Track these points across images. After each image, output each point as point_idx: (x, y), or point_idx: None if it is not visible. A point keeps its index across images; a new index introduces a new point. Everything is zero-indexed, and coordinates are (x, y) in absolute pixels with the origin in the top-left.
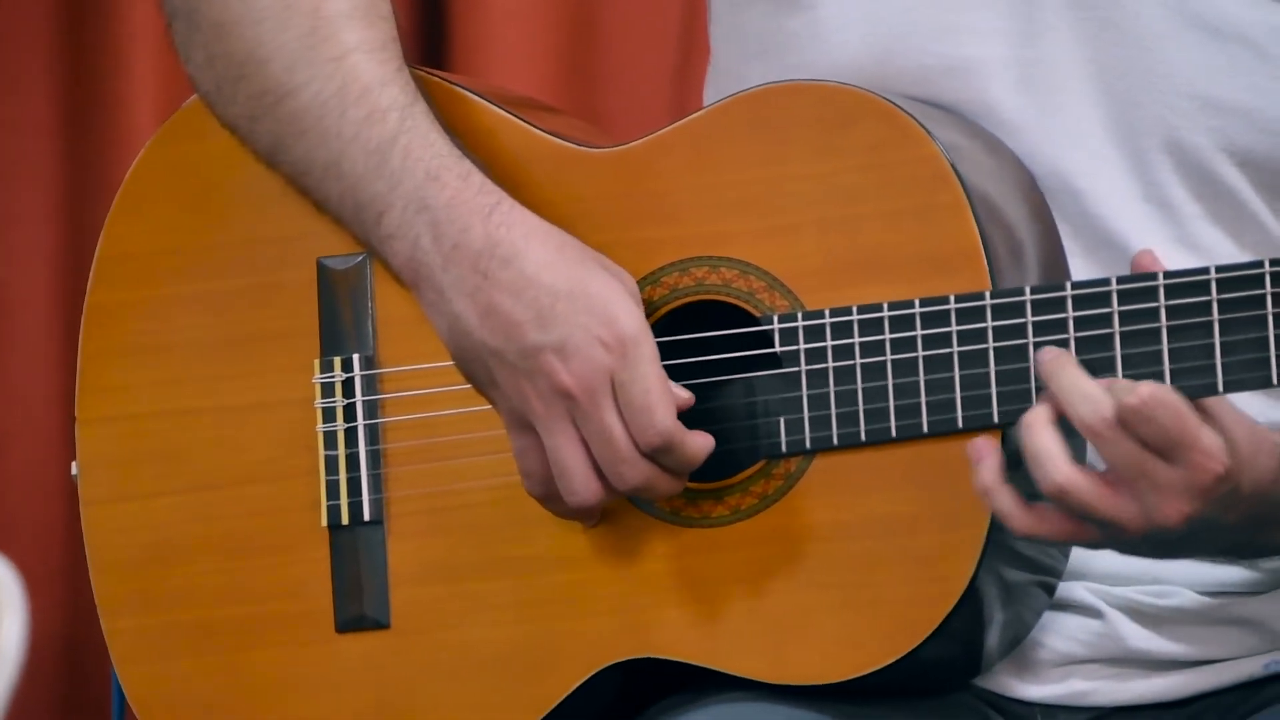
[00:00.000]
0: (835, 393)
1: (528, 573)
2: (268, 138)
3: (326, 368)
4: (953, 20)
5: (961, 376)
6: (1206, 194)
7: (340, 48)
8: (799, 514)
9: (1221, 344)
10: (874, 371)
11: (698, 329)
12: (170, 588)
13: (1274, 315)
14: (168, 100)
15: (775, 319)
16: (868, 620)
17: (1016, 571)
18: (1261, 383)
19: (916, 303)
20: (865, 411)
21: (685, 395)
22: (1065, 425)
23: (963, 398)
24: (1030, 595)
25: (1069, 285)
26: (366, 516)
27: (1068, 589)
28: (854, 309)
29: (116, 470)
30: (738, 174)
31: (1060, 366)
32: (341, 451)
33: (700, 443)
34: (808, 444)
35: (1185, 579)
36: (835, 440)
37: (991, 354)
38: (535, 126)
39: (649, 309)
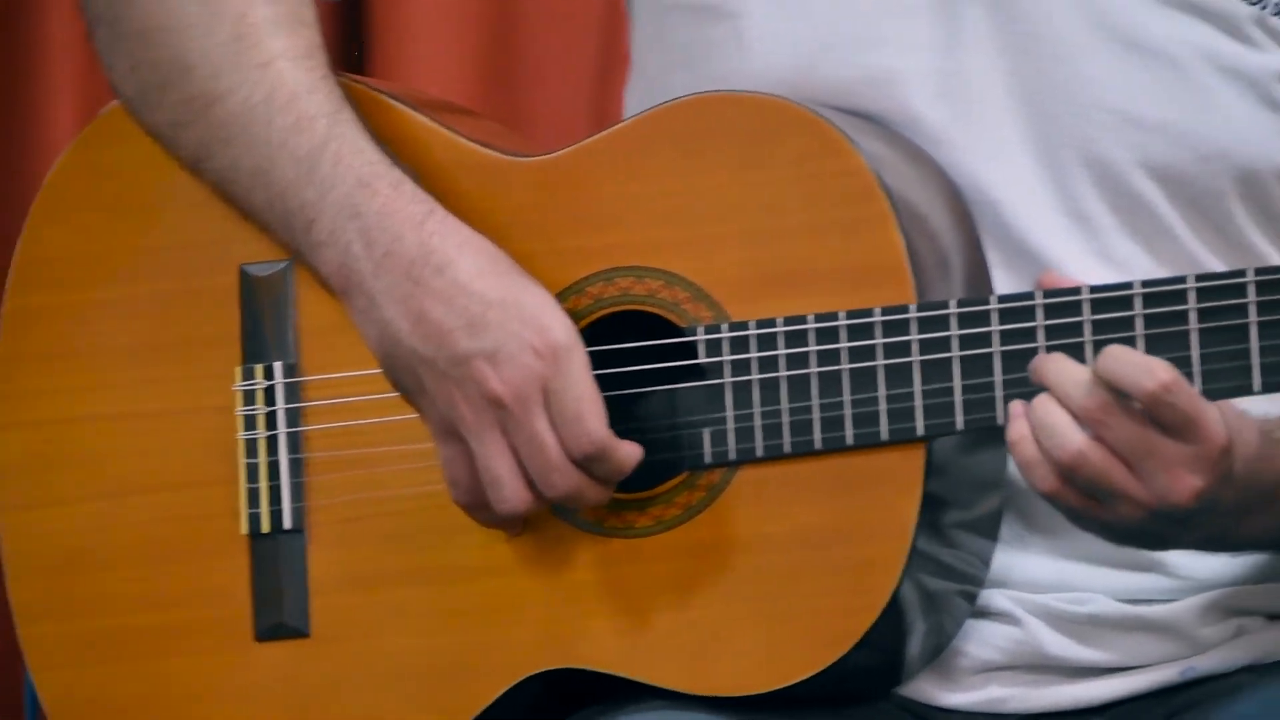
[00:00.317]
0: (760, 404)
1: (449, 582)
2: (193, 145)
3: (248, 375)
4: (875, 31)
5: (887, 389)
6: (1124, 208)
7: (266, 54)
8: (723, 525)
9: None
10: (799, 383)
11: (622, 339)
12: (88, 594)
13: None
14: (88, 104)
15: (700, 330)
16: (790, 632)
17: (938, 581)
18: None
19: (841, 315)
20: (790, 423)
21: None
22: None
23: (888, 410)
24: (952, 604)
25: (994, 299)
26: (287, 524)
27: (987, 597)
28: (779, 321)
29: (34, 476)
30: (663, 184)
31: (1050, 359)
32: (263, 459)
33: (630, 451)
34: (732, 455)
35: (1102, 586)
36: (759, 452)
37: (917, 367)
38: (460, 134)
39: (573, 319)
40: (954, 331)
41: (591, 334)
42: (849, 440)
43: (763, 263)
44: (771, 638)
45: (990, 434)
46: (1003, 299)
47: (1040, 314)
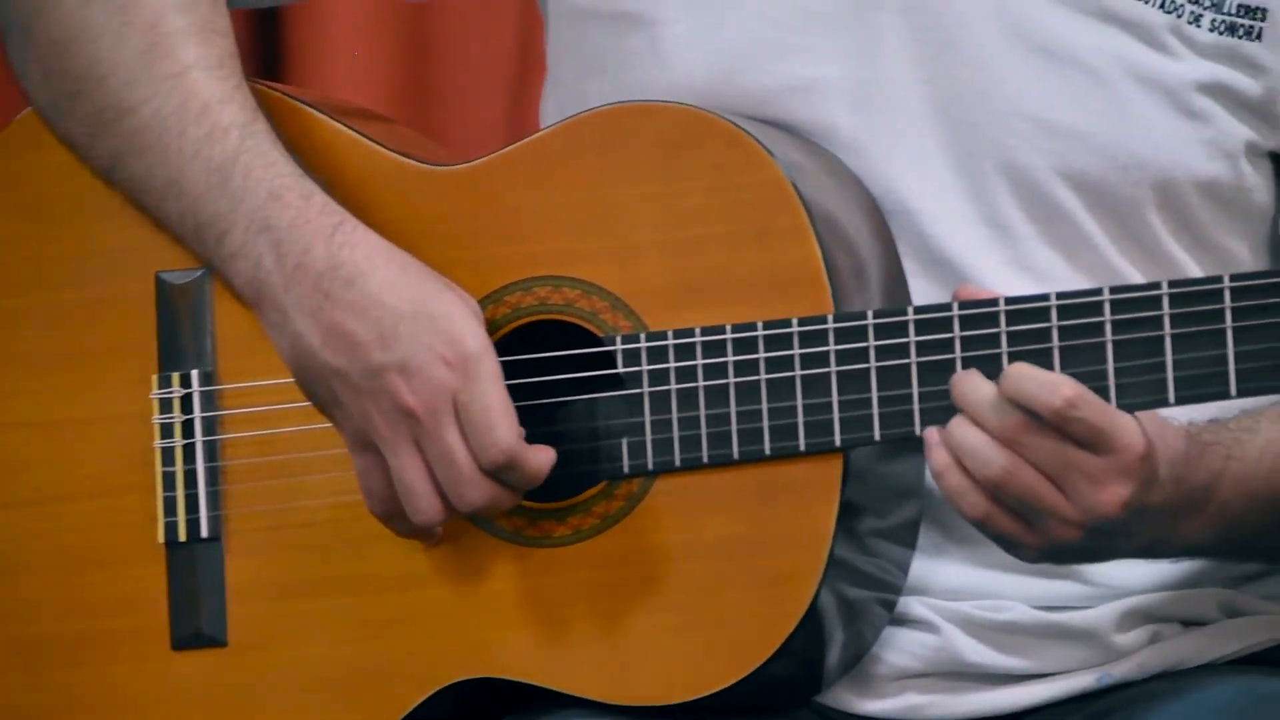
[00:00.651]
0: (678, 414)
1: (367, 591)
2: (106, 155)
3: (164, 383)
4: (792, 40)
5: (804, 399)
6: (1041, 216)
7: (178, 65)
8: (641, 535)
9: (1062, 369)
10: (717, 393)
11: (541, 348)
12: (2, 602)
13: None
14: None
15: (618, 339)
16: (709, 641)
17: (857, 590)
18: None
19: (759, 325)
20: (708, 434)
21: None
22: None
23: (805, 421)
24: (870, 613)
25: (910, 310)
26: (204, 533)
27: (905, 605)
28: (697, 330)
29: None
30: (582, 194)
31: (963, 379)
32: (179, 468)
33: (542, 458)
34: (650, 465)
35: (1020, 594)
36: (678, 462)
37: (834, 377)
38: (377, 143)
39: (491, 328)
40: (871, 343)
41: (510, 343)
42: (767, 451)
43: (681, 273)
44: (690, 647)
45: (908, 444)
46: (919, 310)
47: (957, 325)
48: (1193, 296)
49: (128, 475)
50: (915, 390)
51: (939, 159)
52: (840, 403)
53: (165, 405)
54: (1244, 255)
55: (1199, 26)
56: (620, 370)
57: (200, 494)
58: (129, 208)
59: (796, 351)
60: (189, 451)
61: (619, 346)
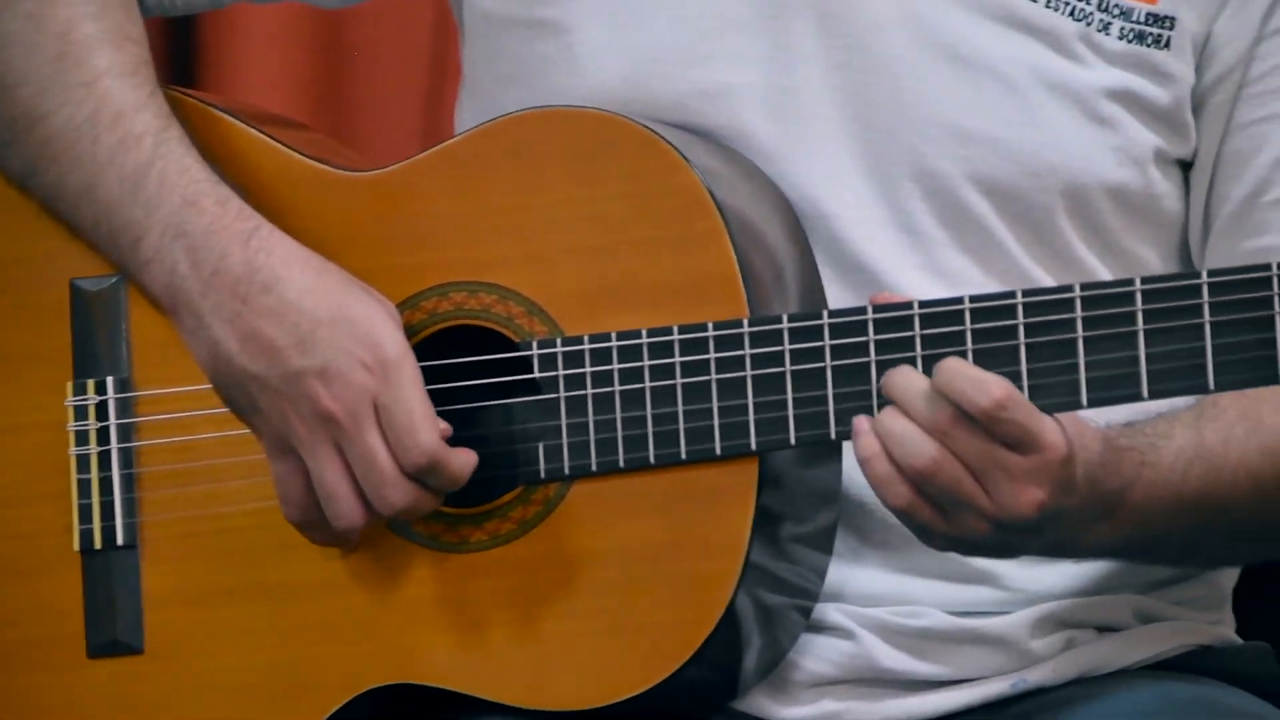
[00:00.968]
0: (594, 419)
1: (285, 598)
2: (19, 163)
3: (79, 390)
4: (707, 46)
5: (719, 404)
6: (954, 222)
7: (91, 72)
8: (558, 540)
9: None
10: (633, 398)
11: (457, 354)
12: None
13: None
14: None
15: (534, 345)
16: (625, 646)
17: (773, 595)
18: None
19: (675, 330)
20: (624, 438)
21: (444, 427)
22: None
23: (720, 425)
24: (786, 619)
25: (825, 314)
26: (120, 540)
27: (822, 611)
28: (613, 335)
29: None
30: (497, 200)
31: (896, 372)
32: (95, 475)
33: (464, 460)
34: (566, 470)
35: (935, 600)
36: (594, 467)
37: (749, 382)
38: (292, 149)
39: (408, 333)
40: (786, 347)
41: (427, 349)
42: (683, 455)
43: (597, 278)
44: (606, 652)
45: (824, 448)
46: (834, 314)
47: (871, 329)
48: (1104, 299)
49: (43, 483)
50: (830, 393)
51: (853, 165)
52: (756, 405)
53: (80, 412)
54: (1154, 262)
55: (1108, 34)
56: (536, 375)
57: (116, 501)
58: (43, 215)
59: (712, 356)
60: (104, 458)
61: (535, 352)
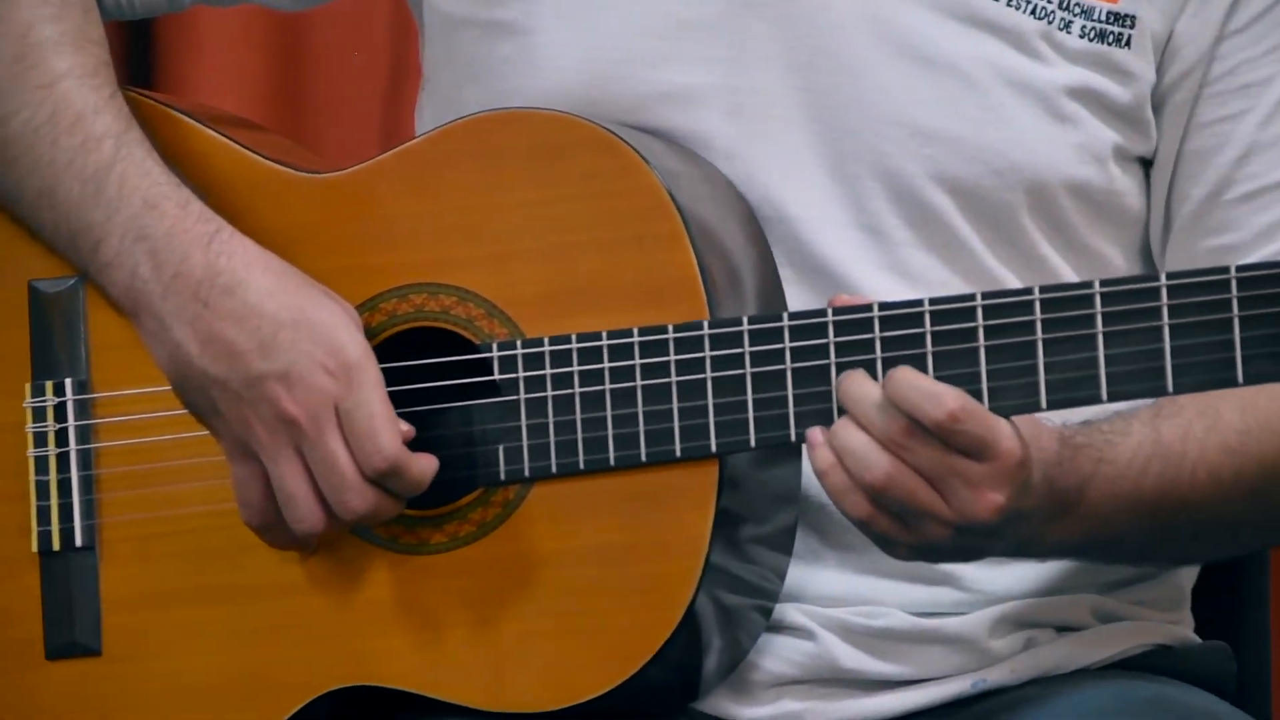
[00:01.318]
0: (554, 421)
1: (243, 600)
2: None
3: (38, 391)
4: (666, 48)
5: (679, 405)
6: (917, 221)
7: (50, 75)
8: (518, 541)
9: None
10: (593, 400)
11: (417, 356)
12: None
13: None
14: None
15: (494, 346)
16: (586, 647)
17: (733, 596)
18: None
19: (635, 332)
20: (584, 440)
21: (406, 428)
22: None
23: (681, 427)
24: (747, 619)
25: (785, 316)
26: (78, 542)
27: (782, 611)
28: (573, 337)
29: None
30: (456, 201)
31: (850, 379)
32: (53, 476)
33: (426, 464)
34: (526, 472)
35: (895, 600)
36: (554, 468)
37: (709, 384)
38: (252, 151)
39: (367, 335)
40: (746, 349)
41: (386, 350)
42: (643, 457)
43: (556, 280)
44: (567, 654)
45: (784, 449)
46: (794, 316)
47: (831, 331)
48: (1064, 301)
49: (1, 485)
50: (790, 395)
51: (814, 166)
52: (715, 407)
53: (39, 414)
54: (1117, 260)
55: (1069, 33)
56: (496, 377)
57: (74, 503)
58: (2, 216)
59: (672, 358)
60: (63, 460)
61: (495, 354)
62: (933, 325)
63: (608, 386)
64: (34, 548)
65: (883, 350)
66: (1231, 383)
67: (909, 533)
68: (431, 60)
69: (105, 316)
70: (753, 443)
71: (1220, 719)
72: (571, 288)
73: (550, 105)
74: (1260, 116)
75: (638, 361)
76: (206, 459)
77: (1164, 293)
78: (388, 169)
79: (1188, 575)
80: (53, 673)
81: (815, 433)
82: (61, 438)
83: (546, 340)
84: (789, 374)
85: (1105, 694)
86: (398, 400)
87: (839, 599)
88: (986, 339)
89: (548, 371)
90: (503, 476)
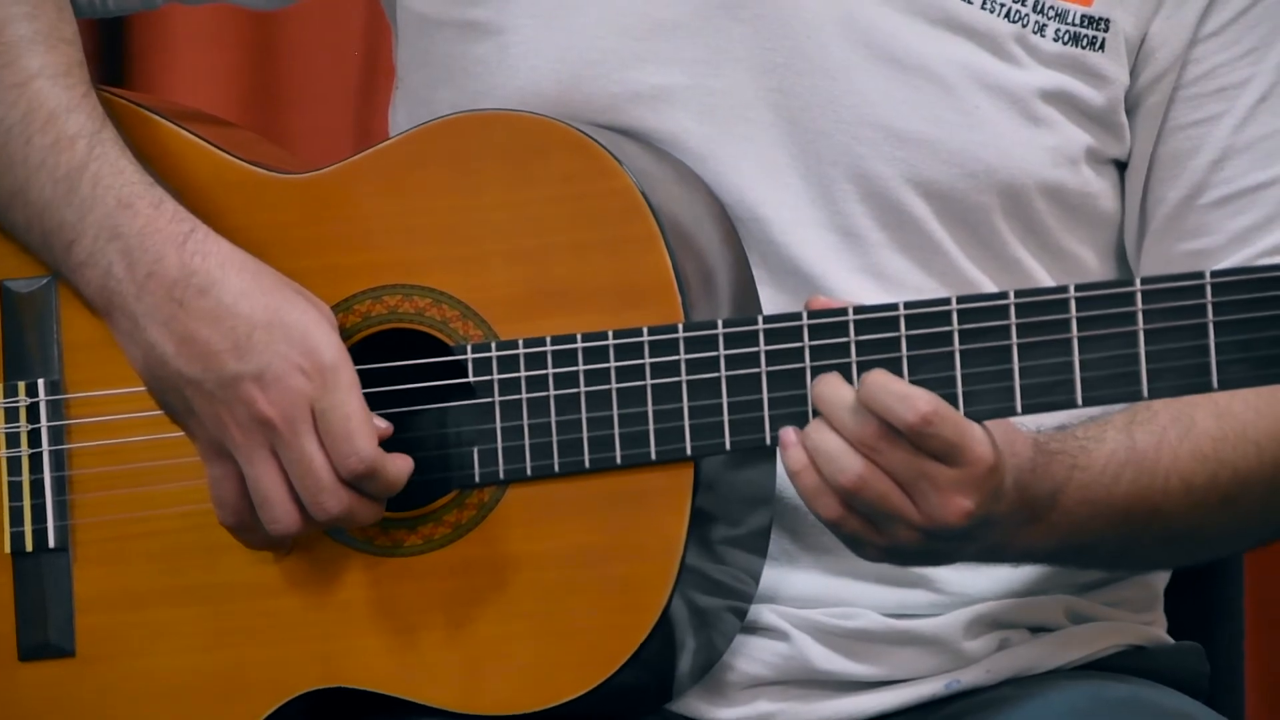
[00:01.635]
0: (529, 424)
1: (218, 601)
2: None
3: (10, 392)
4: (639, 49)
5: (655, 408)
6: (892, 223)
7: (23, 74)
8: (493, 543)
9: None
10: (568, 403)
11: (391, 357)
12: None
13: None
14: None
15: (469, 348)
16: (561, 650)
17: (708, 598)
18: None
19: (610, 334)
20: (559, 443)
21: (384, 425)
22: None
23: (655, 430)
24: (722, 621)
25: (760, 319)
26: (51, 543)
27: (756, 613)
28: (548, 340)
29: None
30: (431, 202)
31: (824, 382)
32: (26, 477)
33: (401, 465)
34: (501, 475)
35: (869, 601)
36: (529, 471)
37: (685, 386)
38: (226, 150)
39: (341, 336)
40: (721, 352)
41: (360, 351)
42: (618, 460)
43: (531, 282)
44: (542, 657)
45: (759, 452)
46: (768, 319)
47: (806, 334)
48: (1039, 306)
49: None
50: (765, 398)
51: (788, 167)
52: (691, 410)
53: (10, 414)
54: (1091, 261)
55: (1043, 36)
56: (471, 379)
57: (47, 504)
58: None
59: (647, 360)
60: (35, 461)
61: (469, 355)
62: (908, 329)
63: (583, 389)
64: (6, 549)
65: (858, 354)
66: (1206, 388)
67: (879, 535)
68: (405, 60)
69: (78, 316)
70: (728, 446)
71: (1193, 719)
72: (546, 290)
73: (523, 105)
74: (1236, 120)
75: (613, 364)
76: (181, 459)
77: (1139, 297)
78: (362, 169)
79: (1161, 576)
80: (26, 673)
81: (789, 433)
82: (34, 438)
83: (521, 343)
84: (764, 377)
85: (1079, 694)
86: (372, 402)
87: (813, 600)
88: (961, 343)
89: (522, 374)
90: (477, 479)
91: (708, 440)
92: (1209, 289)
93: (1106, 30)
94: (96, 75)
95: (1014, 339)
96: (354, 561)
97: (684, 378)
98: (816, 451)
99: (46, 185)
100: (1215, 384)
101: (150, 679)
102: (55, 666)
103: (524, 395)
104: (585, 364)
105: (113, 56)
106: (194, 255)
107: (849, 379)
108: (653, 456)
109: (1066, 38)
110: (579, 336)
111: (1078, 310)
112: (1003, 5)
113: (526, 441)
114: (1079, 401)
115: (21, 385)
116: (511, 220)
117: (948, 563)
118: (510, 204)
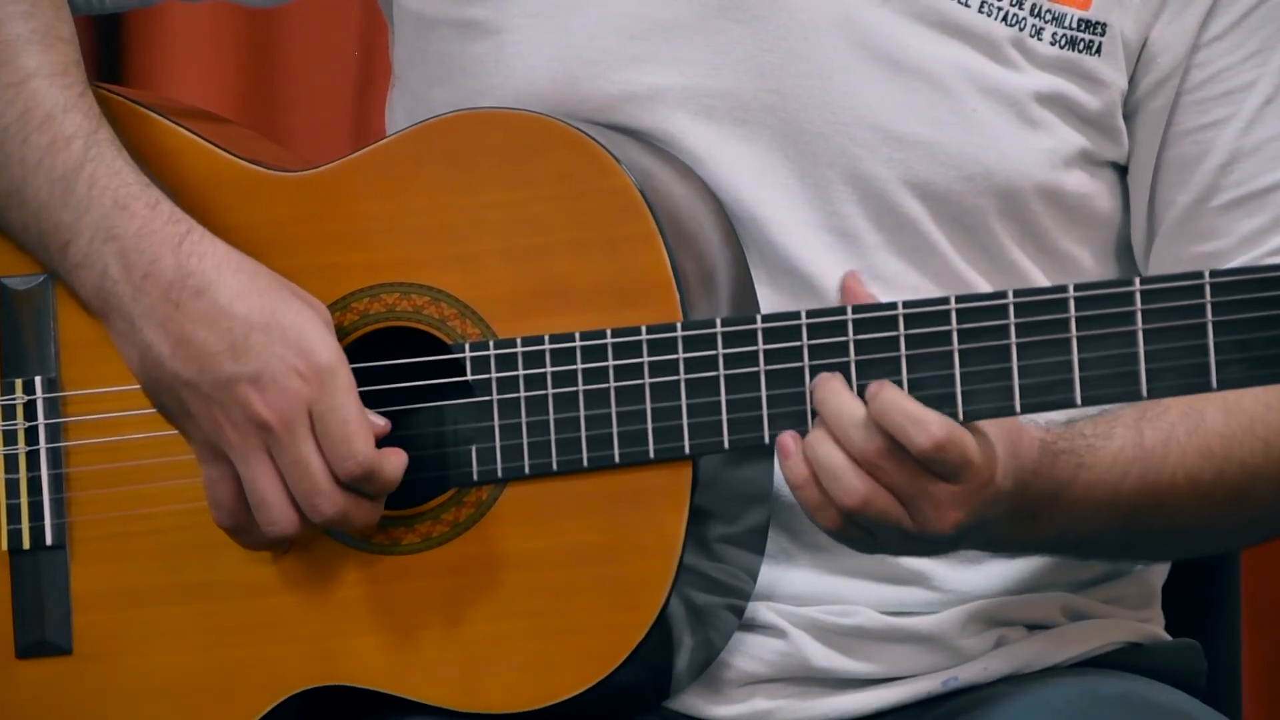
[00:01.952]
0: (527, 422)
1: (215, 599)
2: None
3: (7, 390)
4: (637, 49)
5: (653, 406)
6: (888, 225)
7: (20, 73)
8: (491, 542)
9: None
10: (566, 401)
11: (389, 355)
12: None
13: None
14: None
15: (467, 347)
16: (559, 648)
17: (706, 596)
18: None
19: (608, 333)
20: (557, 441)
21: (382, 423)
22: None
23: (654, 429)
24: (719, 618)
25: (759, 318)
26: (49, 541)
27: (754, 610)
28: (546, 338)
29: None
30: (429, 200)
31: (828, 388)
32: (23, 475)
33: (396, 462)
34: (499, 473)
35: (866, 599)
36: (527, 469)
37: (683, 385)
38: (222, 148)
39: (339, 334)
40: (719, 350)
41: (358, 350)
42: (616, 458)
43: (529, 280)
44: (540, 655)
45: (757, 450)
46: (767, 318)
47: (805, 334)
48: (1038, 306)
49: None
50: (764, 397)
51: (785, 168)
52: (689, 409)
53: (8, 412)
54: (1087, 261)
55: (1040, 40)
56: (469, 378)
57: (44, 501)
58: None
59: (645, 359)
60: (33, 458)
61: (468, 354)
62: (906, 328)
63: (581, 388)
64: (3, 546)
65: (856, 353)
66: (1205, 388)
67: (874, 539)
68: (402, 59)
69: (75, 314)
70: (726, 444)
71: (1190, 716)
72: (544, 289)
73: (521, 105)
74: (1243, 123)
75: (611, 363)
76: (178, 457)
77: (1138, 297)
78: (360, 168)
79: (1158, 573)
80: (23, 671)
81: (787, 441)
82: (31, 436)
83: (519, 341)
84: (763, 376)
85: (1076, 692)
86: (369, 401)
87: (810, 598)
88: (961, 342)
89: (520, 372)
90: (475, 477)
91: (706, 439)
92: (1208, 289)
93: (1103, 34)
94: (93, 72)
95: (1013, 338)
96: (352, 560)
97: (682, 376)
98: (820, 467)
99: (43, 186)
100: (1214, 384)
101: (147, 677)
102: (52, 664)
103: (522, 394)
104: (583, 363)
105: (109, 54)
106: (190, 256)
107: (848, 378)
108: (651, 455)
109: (1063, 41)
110: (577, 335)
111: (1076, 310)
112: (1000, 9)
113: (524, 440)
114: (1078, 401)
115: (19, 382)
116: (509, 219)
117: (940, 555)
118: (508, 202)
